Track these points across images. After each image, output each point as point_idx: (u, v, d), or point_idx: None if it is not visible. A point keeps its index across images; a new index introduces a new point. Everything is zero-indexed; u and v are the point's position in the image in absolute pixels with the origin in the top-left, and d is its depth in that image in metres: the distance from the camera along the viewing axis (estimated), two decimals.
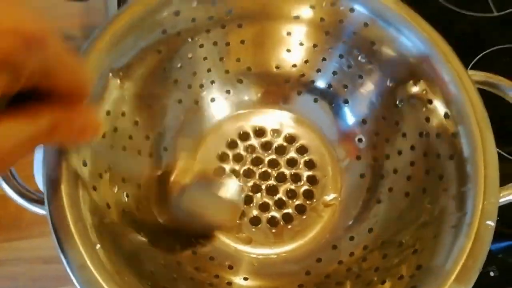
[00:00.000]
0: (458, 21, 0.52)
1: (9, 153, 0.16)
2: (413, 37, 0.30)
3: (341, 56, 0.34)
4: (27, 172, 0.26)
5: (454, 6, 0.53)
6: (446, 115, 0.29)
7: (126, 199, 0.29)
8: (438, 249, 0.26)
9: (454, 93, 0.28)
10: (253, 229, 0.34)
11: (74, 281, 0.23)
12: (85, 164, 0.26)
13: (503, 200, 0.26)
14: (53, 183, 0.24)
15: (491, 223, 0.25)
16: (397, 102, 0.33)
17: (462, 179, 0.27)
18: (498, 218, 0.39)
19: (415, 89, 0.31)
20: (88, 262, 0.23)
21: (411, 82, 0.31)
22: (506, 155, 0.41)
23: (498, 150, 0.27)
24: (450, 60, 0.29)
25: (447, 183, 0.29)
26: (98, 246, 0.24)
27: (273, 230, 0.34)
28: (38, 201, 0.25)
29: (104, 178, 0.27)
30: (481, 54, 0.49)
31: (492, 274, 0.37)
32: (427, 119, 0.31)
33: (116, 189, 0.28)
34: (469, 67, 0.48)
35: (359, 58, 0.34)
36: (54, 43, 0.16)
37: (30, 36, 0.15)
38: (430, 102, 0.30)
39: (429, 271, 0.26)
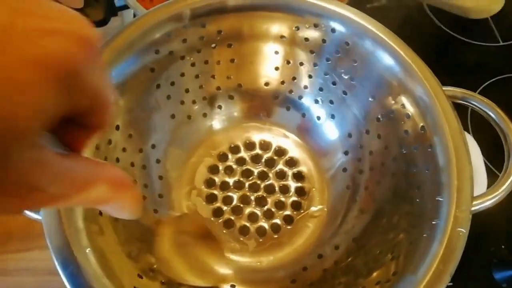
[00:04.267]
0: (464, 50, 0.54)
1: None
2: (390, 55, 0.32)
3: (326, 73, 0.36)
4: None
5: (461, 35, 0.54)
6: (422, 128, 0.31)
7: None
8: (414, 255, 0.28)
9: (429, 107, 0.30)
10: (241, 238, 0.35)
11: (66, 282, 0.25)
12: None
13: (475, 208, 0.27)
14: None
15: (463, 230, 0.26)
16: (379, 116, 0.34)
17: (437, 188, 0.29)
18: (503, 246, 0.40)
19: (393, 104, 0.33)
20: (80, 265, 0.25)
21: (390, 97, 0.33)
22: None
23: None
24: (425, 76, 0.30)
25: (424, 193, 0.30)
26: (88, 249, 0.26)
27: (261, 240, 0.35)
28: None
29: None
30: (487, 83, 0.50)
31: None
32: (406, 132, 0.32)
33: None
34: None
35: (343, 75, 0.35)
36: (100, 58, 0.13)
37: (90, 42, 0.12)
38: (408, 116, 0.32)
39: (403, 277, 0.27)
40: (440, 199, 0.28)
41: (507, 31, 0.55)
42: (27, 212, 0.27)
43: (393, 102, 0.33)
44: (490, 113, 0.30)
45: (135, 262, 0.29)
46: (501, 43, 0.55)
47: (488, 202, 0.28)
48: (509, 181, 0.28)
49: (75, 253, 0.25)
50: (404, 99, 0.32)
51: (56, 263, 0.25)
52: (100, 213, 0.29)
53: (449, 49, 0.54)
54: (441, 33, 0.55)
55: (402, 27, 0.56)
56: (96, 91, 0.13)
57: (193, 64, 0.36)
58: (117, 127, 0.32)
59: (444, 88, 0.31)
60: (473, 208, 0.27)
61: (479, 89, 0.50)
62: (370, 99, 0.34)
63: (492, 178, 0.35)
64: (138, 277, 0.28)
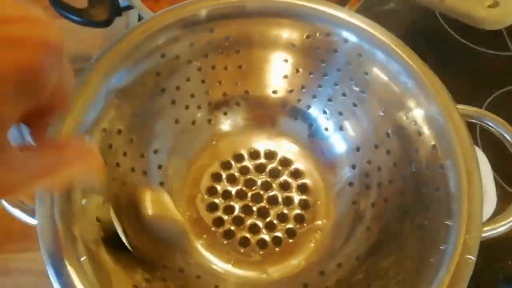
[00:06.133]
0: (476, 58, 0.53)
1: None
2: (403, 70, 0.31)
3: (336, 84, 0.35)
4: None
5: (472, 43, 0.53)
6: (433, 148, 0.30)
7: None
8: (419, 280, 0.26)
9: (442, 126, 0.29)
10: (242, 250, 0.34)
11: None
12: None
13: (485, 235, 0.26)
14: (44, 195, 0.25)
15: (472, 257, 0.25)
16: (389, 132, 0.33)
17: (447, 212, 0.28)
18: (510, 262, 0.39)
19: (405, 120, 0.32)
20: (73, 275, 0.24)
21: (401, 113, 0.32)
22: None
23: None
24: (439, 93, 0.29)
25: (433, 215, 0.29)
26: (83, 258, 0.25)
27: (261, 252, 0.34)
28: (30, 211, 0.26)
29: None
30: (498, 92, 0.49)
31: None
32: (416, 150, 0.31)
33: (107, 204, 0.29)
34: (485, 104, 0.48)
35: (353, 86, 0.34)
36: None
37: (57, 49, 0.13)
38: (419, 133, 0.31)
39: None
40: (449, 223, 0.27)
41: None
42: (21, 217, 0.26)
43: (404, 118, 0.32)
44: (506, 135, 0.29)
45: (130, 273, 0.28)
46: None
47: (500, 228, 0.27)
48: None
49: (69, 262, 0.25)
50: (415, 116, 0.31)
51: (50, 272, 0.24)
52: (98, 219, 0.28)
53: (460, 57, 0.53)
54: (452, 41, 0.53)
55: (411, 32, 0.55)
56: (57, 85, 0.14)
57: (199, 69, 0.35)
58: (119, 131, 0.31)
59: (459, 106, 0.29)
60: (484, 235, 0.26)
61: (490, 98, 0.49)
62: (380, 113, 0.33)
63: (501, 191, 0.33)
64: None
